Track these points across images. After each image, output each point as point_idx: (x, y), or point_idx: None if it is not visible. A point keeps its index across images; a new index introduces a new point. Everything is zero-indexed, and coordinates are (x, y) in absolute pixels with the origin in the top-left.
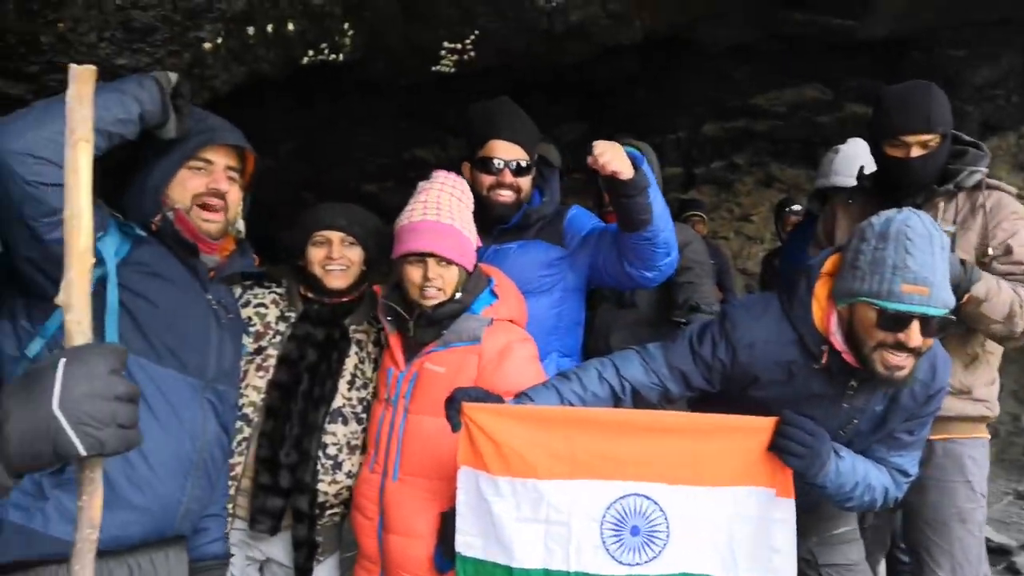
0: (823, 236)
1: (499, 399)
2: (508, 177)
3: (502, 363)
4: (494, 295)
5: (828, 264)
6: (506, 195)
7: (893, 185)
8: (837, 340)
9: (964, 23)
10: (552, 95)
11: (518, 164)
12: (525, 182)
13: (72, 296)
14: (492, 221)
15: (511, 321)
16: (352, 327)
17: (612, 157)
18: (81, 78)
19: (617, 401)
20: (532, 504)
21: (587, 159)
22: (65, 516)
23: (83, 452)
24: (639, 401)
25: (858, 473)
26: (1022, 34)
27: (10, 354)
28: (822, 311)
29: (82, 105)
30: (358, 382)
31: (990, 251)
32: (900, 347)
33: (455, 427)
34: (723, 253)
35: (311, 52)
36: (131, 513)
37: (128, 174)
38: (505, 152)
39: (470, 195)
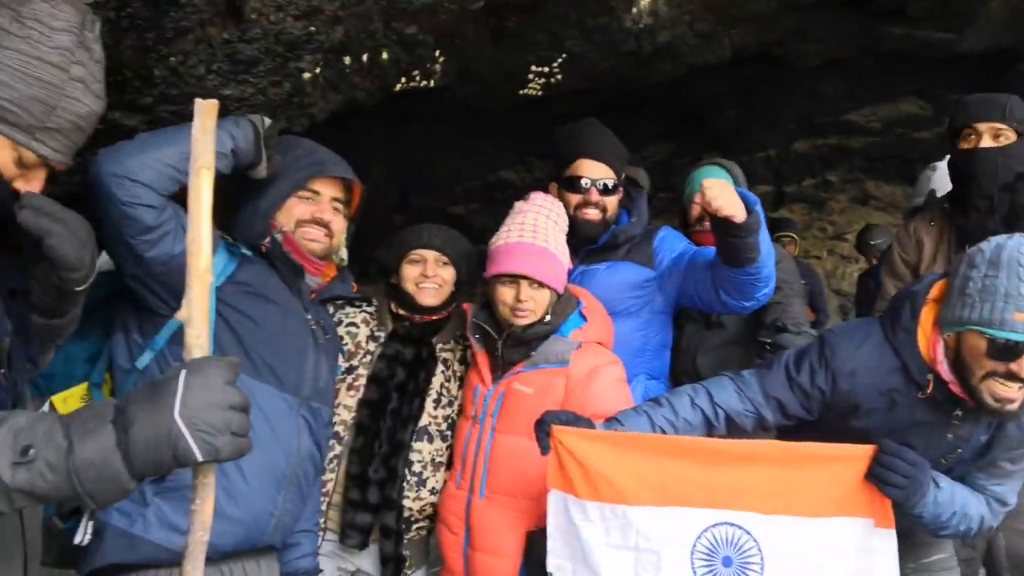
0: (900, 261)
1: (589, 423)
2: (595, 196)
3: (590, 385)
4: (583, 317)
5: (934, 290)
6: (592, 214)
7: (963, 186)
8: (943, 369)
9: None
10: (638, 115)
11: (605, 183)
12: (612, 201)
13: (192, 313)
14: (579, 241)
15: (599, 343)
16: (439, 345)
17: (726, 202)
18: (205, 111)
19: (710, 428)
20: (621, 530)
21: (697, 198)
22: (164, 522)
23: (200, 458)
24: (732, 428)
25: (956, 502)
26: None
27: (123, 366)
28: (927, 339)
29: (205, 136)
30: (443, 400)
31: None
32: (1011, 377)
33: (544, 450)
34: (815, 273)
35: (404, 79)
36: (225, 523)
37: (236, 198)
38: (592, 171)
39: (565, 218)
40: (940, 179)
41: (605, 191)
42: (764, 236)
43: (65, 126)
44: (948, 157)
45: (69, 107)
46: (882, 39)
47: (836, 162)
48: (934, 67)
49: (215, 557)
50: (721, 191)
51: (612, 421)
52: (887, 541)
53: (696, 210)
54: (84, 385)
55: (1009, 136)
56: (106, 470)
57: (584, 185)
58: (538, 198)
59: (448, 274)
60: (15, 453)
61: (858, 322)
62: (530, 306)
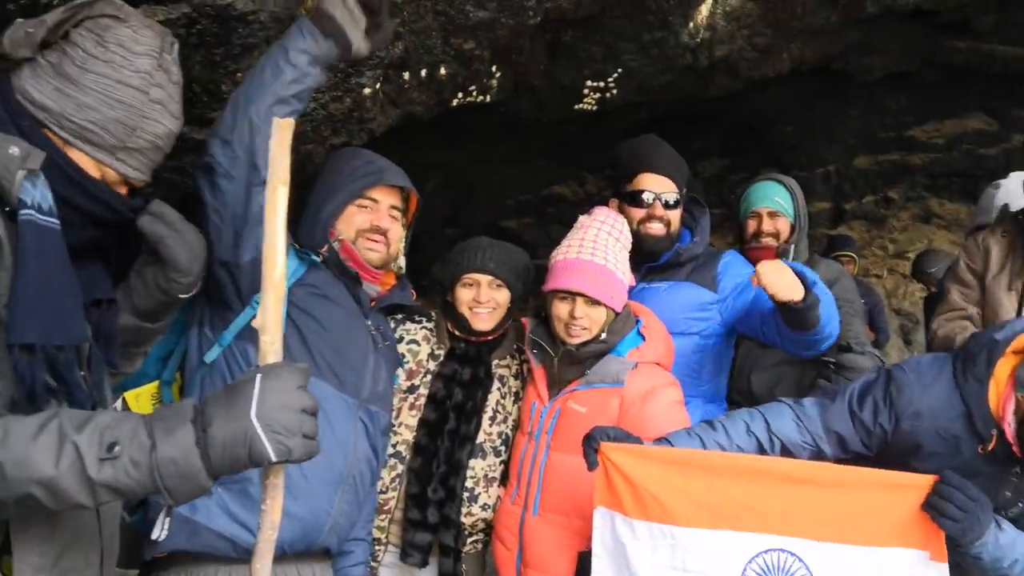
0: (966, 269)
1: (638, 440)
2: (659, 210)
3: (645, 406)
4: (641, 336)
5: (1017, 342)
6: (657, 228)
7: None
8: (1010, 428)
9: None
10: (693, 129)
11: (668, 197)
12: (675, 216)
13: (267, 320)
14: (641, 258)
15: (657, 364)
16: (496, 362)
17: (782, 288)
18: (282, 128)
19: (763, 455)
20: (669, 551)
21: (751, 280)
22: (225, 511)
23: (274, 458)
24: (786, 456)
25: (1018, 549)
26: None
27: (193, 359)
28: (999, 393)
29: (282, 153)
30: (499, 417)
31: None
32: None
33: (591, 465)
34: (875, 292)
35: (460, 94)
36: (284, 518)
37: (301, 208)
38: (656, 185)
39: (629, 234)
40: (1010, 195)
41: (668, 205)
42: (825, 303)
43: (145, 146)
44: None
45: (148, 128)
46: (947, 53)
47: (898, 179)
48: (1000, 81)
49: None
50: (778, 277)
51: (662, 441)
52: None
53: (752, 226)
54: (156, 383)
55: None
56: (186, 467)
57: (648, 199)
58: (601, 213)
59: (502, 296)
60: (102, 449)
61: (929, 359)
62: (584, 323)
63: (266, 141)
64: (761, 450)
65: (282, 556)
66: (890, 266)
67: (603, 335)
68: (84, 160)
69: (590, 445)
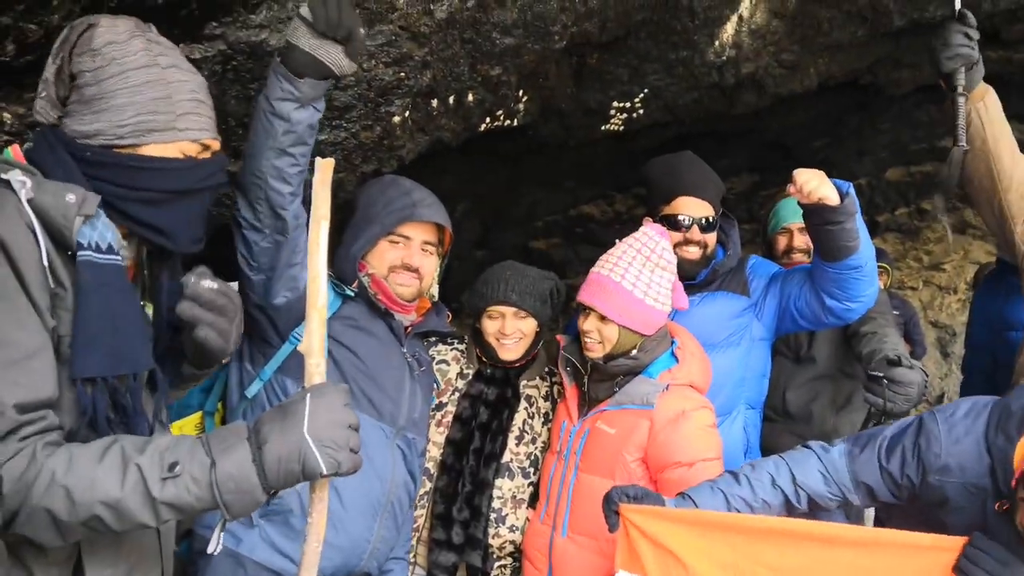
0: None
1: (659, 499)
2: (696, 234)
3: (675, 430)
4: (675, 358)
5: None
6: (693, 252)
7: None
8: None
9: None
10: (721, 146)
11: (705, 220)
12: (712, 238)
13: (312, 344)
14: (679, 278)
15: (691, 385)
16: (524, 382)
17: (819, 184)
18: (323, 168)
19: (790, 509)
20: None
21: (788, 189)
22: (270, 544)
23: (325, 471)
24: (814, 508)
25: None
26: None
27: (235, 394)
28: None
29: (324, 189)
30: (527, 437)
31: None
32: None
33: (612, 528)
34: (909, 304)
35: (488, 119)
36: (324, 548)
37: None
38: (693, 209)
39: (669, 257)
40: None
41: (705, 228)
42: (862, 224)
43: (190, 106)
44: None
45: (181, 89)
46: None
47: (931, 190)
48: None
49: None
50: (812, 175)
51: (684, 498)
52: None
53: (783, 242)
54: (199, 414)
55: None
56: (244, 483)
57: (685, 223)
58: (643, 233)
59: (528, 326)
60: (163, 469)
61: (966, 408)
62: (595, 337)
63: (278, 191)
64: (787, 502)
65: None
66: (925, 278)
67: (634, 352)
68: (159, 149)
69: (609, 507)
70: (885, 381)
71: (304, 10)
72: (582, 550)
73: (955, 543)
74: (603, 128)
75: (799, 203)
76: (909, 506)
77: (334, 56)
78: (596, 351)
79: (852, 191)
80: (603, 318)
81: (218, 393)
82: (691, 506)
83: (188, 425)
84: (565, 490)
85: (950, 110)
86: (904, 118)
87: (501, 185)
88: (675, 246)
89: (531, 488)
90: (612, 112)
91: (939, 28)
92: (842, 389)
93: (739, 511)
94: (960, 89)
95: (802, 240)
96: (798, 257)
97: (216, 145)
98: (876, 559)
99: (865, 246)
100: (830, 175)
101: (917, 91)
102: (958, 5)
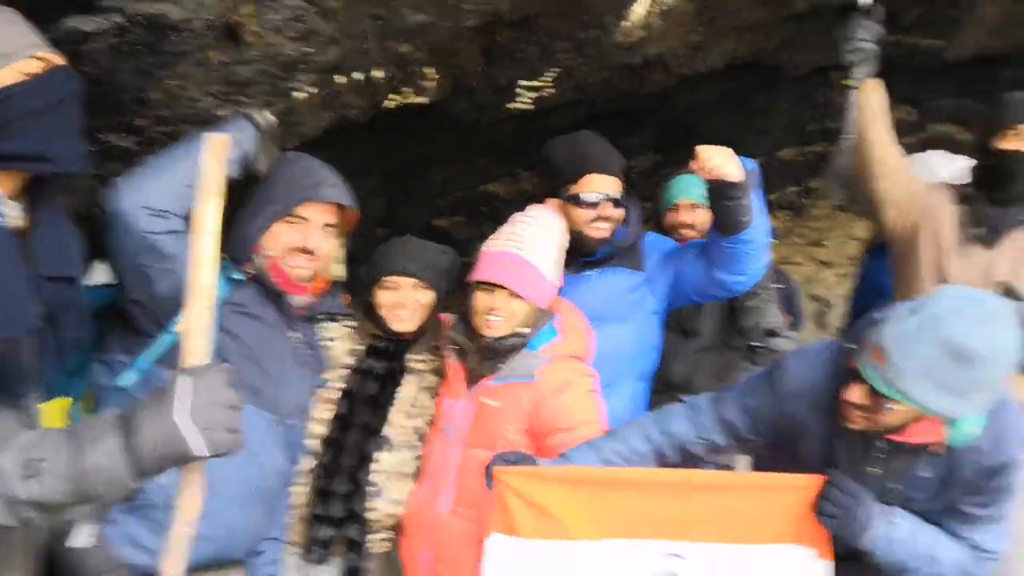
0: None
1: (532, 460)
2: (608, 210)
3: (558, 399)
4: (556, 331)
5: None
6: (604, 229)
7: (1002, 183)
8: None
9: None
10: (627, 125)
11: (615, 196)
12: (621, 214)
13: (191, 323)
14: (581, 255)
15: (573, 356)
16: (413, 357)
17: (721, 161)
18: (215, 144)
19: (662, 458)
20: (566, 567)
21: (691, 164)
22: (128, 540)
23: (206, 452)
24: (686, 456)
25: (918, 545)
26: None
27: (105, 384)
28: None
29: (214, 166)
30: (413, 411)
31: None
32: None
33: (490, 489)
34: (793, 279)
35: (396, 96)
36: (199, 541)
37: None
38: (603, 186)
39: (564, 234)
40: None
41: (617, 204)
42: (759, 202)
43: (13, 31)
44: (932, 157)
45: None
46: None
47: (821, 168)
48: (921, 75)
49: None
50: (716, 151)
51: (560, 457)
52: (827, 573)
53: (672, 218)
54: (69, 399)
55: None
56: (114, 472)
57: (596, 200)
58: (536, 211)
59: (425, 298)
60: (25, 467)
61: (820, 343)
62: (503, 315)
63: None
64: (659, 452)
65: (196, 570)
66: (809, 253)
67: (522, 329)
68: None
69: (487, 474)
70: (764, 351)
71: None
72: (466, 524)
73: (814, 481)
74: (510, 107)
75: (704, 179)
76: (777, 451)
77: None
78: (500, 330)
79: (756, 169)
80: (512, 295)
81: (85, 377)
82: (567, 464)
83: (55, 408)
84: (450, 466)
85: (837, 100)
86: (803, 99)
87: (411, 162)
88: (586, 223)
89: (416, 463)
90: (521, 91)
91: (845, 19)
92: (725, 360)
93: (613, 464)
94: (855, 82)
95: (691, 216)
96: (687, 233)
97: (57, 59)
98: (742, 501)
99: (759, 222)
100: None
101: (815, 73)
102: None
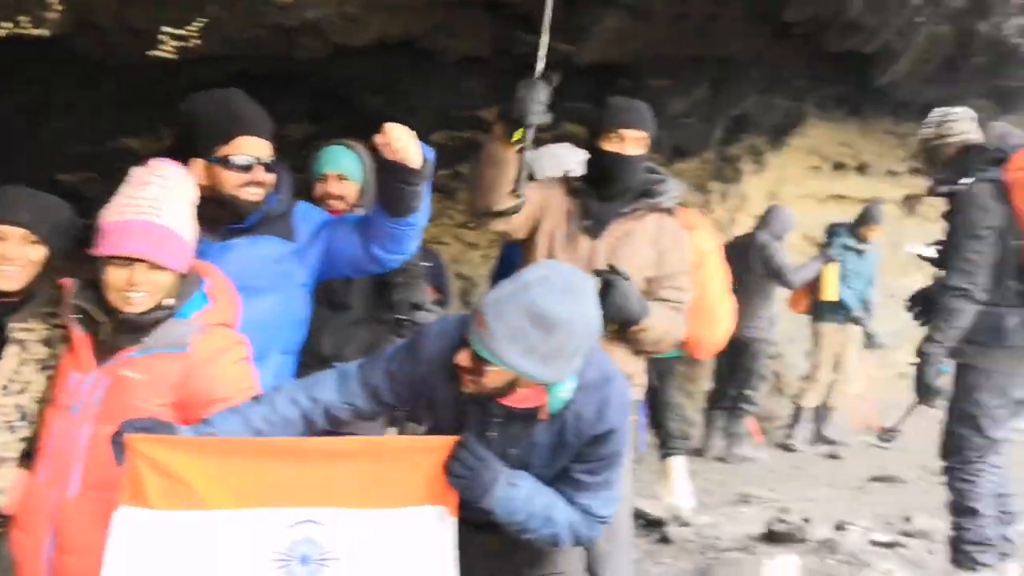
0: None
1: (171, 427)
2: (260, 174)
3: (211, 368)
4: (207, 298)
5: None
6: (257, 194)
7: (606, 182)
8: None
9: (663, 56)
10: (281, 92)
11: (268, 160)
12: (273, 179)
13: None
14: (231, 220)
15: (225, 325)
16: (16, 326)
17: (408, 144)
18: None
19: (309, 424)
20: (199, 537)
21: (375, 139)
22: None
23: None
24: (332, 422)
25: (535, 505)
26: (710, 70)
27: None
28: None
29: None
30: (14, 387)
31: (661, 273)
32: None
33: (119, 461)
34: (442, 257)
35: (7, 25)
36: None
37: None
38: (256, 149)
39: (193, 191)
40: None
41: (269, 168)
42: (429, 188)
43: None
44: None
45: None
46: (517, 44)
47: (468, 155)
48: (563, 76)
49: None
50: (404, 132)
51: (203, 424)
52: (453, 530)
53: (320, 189)
54: None
55: (645, 144)
56: None
57: (247, 164)
58: (159, 167)
59: (36, 254)
60: None
61: (455, 315)
62: (146, 289)
63: None
64: (305, 417)
65: None
66: (456, 234)
67: (167, 300)
68: None
69: (116, 441)
70: (410, 324)
71: None
72: (96, 506)
73: (447, 443)
74: (150, 53)
75: (386, 158)
76: (417, 414)
77: None
78: (143, 305)
79: (432, 158)
80: (152, 267)
81: None
82: (210, 432)
83: None
84: (77, 446)
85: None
86: (454, 86)
87: (24, 110)
88: (237, 187)
89: (23, 444)
90: (163, 37)
91: (524, 81)
92: (374, 333)
93: (261, 431)
94: (525, 145)
95: (339, 187)
96: (336, 204)
97: None
98: (379, 465)
99: (425, 207)
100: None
101: (465, 62)
102: (540, 67)
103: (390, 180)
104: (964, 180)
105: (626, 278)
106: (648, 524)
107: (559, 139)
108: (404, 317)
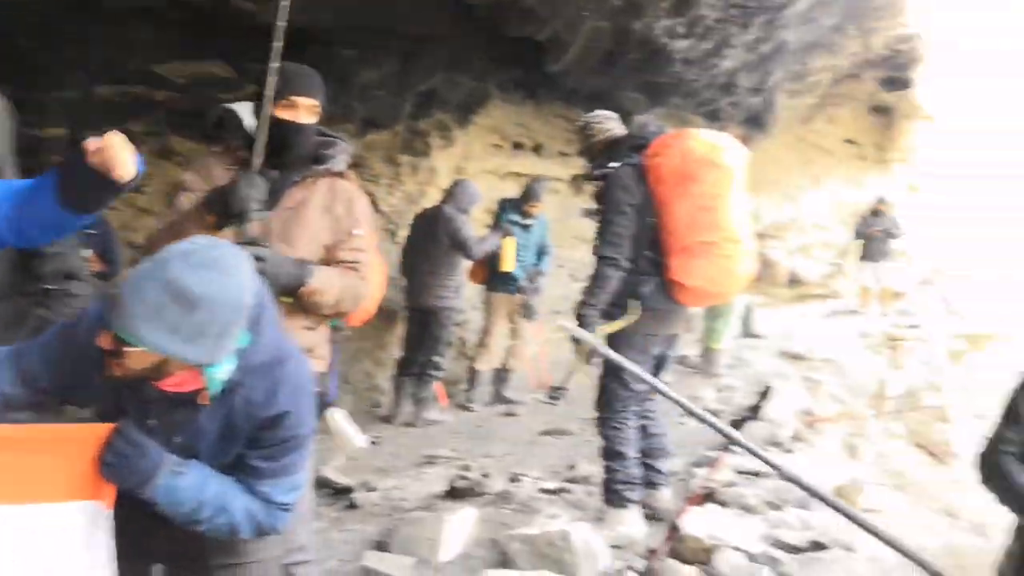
0: None
1: None
2: None
3: None
4: None
5: None
6: None
7: (280, 150)
8: None
9: (353, 27)
10: None
11: None
12: None
13: None
14: None
15: None
16: None
17: (124, 156)
18: None
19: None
20: None
21: (88, 144)
22: None
23: None
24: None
25: (205, 494)
26: (401, 45)
27: None
28: None
29: None
30: None
31: (338, 238)
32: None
33: None
34: (108, 224)
35: None
36: None
37: None
38: None
39: None
40: None
41: None
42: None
43: None
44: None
45: None
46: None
47: (141, 112)
48: (241, 35)
49: None
50: (124, 147)
51: None
52: (108, 523)
53: None
54: None
55: (317, 111)
56: None
57: None
58: None
59: None
60: None
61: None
62: None
63: None
64: None
65: None
66: (127, 199)
67: None
68: None
69: None
70: (61, 293)
71: None
72: None
73: (102, 430)
74: None
75: (90, 161)
76: (71, 401)
77: None
78: None
79: (143, 171)
80: None
81: None
82: None
83: None
84: None
85: None
86: (120, 38)
87: None
88: None
89: None
90: None
91: (244, 176)
92: (17, 308)
93: None
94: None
95: None
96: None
97: None
98: (36, 457)
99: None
100: (38, 83)
101: (136, 13)
102: (258, 162)
103: (86, 183)
104: (612, 164)
105: (267, 246)
106: (336, 492)
107: (244, 98)
108: (54, 287)
